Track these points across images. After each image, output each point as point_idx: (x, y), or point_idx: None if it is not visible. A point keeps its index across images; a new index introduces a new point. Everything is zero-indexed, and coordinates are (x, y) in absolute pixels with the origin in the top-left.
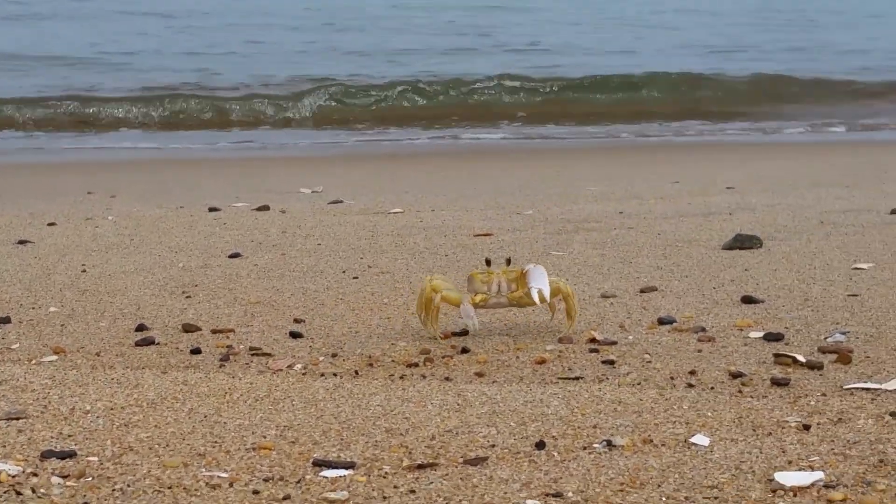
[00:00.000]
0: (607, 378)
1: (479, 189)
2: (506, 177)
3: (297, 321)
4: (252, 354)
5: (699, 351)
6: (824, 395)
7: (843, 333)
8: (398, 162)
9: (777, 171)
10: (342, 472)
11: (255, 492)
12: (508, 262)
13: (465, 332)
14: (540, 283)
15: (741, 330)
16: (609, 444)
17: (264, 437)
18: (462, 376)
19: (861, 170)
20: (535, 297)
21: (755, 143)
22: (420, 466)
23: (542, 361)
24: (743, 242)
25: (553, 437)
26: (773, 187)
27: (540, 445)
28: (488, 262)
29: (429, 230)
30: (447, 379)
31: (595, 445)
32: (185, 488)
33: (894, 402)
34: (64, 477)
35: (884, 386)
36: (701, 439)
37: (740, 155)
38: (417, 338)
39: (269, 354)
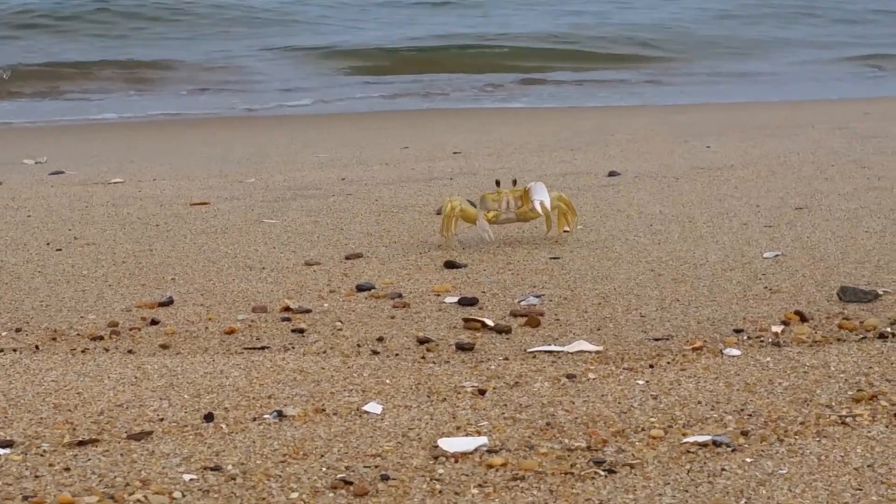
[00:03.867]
0: (293, 347)
1: (207, 157)
2: (237, 144)
3: None
4: None
5: (392, 317)
6: (506, 359)
7: (538, 297)
8: (130, 130)
9: (507, 135)
10: None
11: None
12: (514, 182)
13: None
14: (541, 195)
15: (438, 295)
16: (280, 414)
17: None
18: (146, 349)
19: (590, 133)
20: (538, 207)
21: (491, 108)
22: (81, 443)
23: (231, 332)
24: None
25: (225, 408)
26: (498, 151)
27: (208, 418)
28: (498, 183)
29: (145, 200)
30: (130, 352)
31: (266, 416)
32: None
33: (573, 364)
34: None
35: (566, 348)
36: (374, 407)
37: (477, 119)
38: (108, 310)
39: None
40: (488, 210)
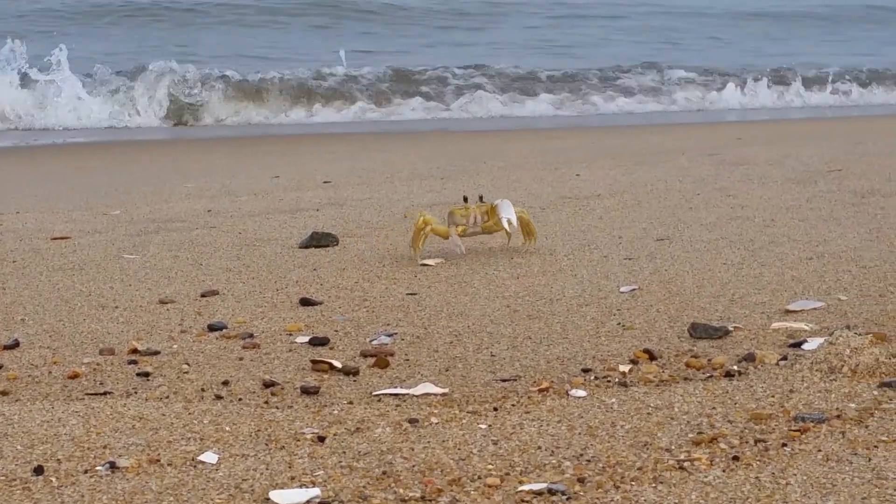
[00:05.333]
0: (136, 392)
1: (75, 187)
2: (104, 173)
3: None
4: None
5: (241, 359)
6: (351, 403)
7: (390, 336)
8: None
9: (380, 162)
10: None
11: None
12: (481, 198)
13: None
14: (508, 213)
15: (290, 335)
16: (113, 465)
17: None
18: None
19: (464, 160)
20: (505, 225)
21: (367, 133)
22: None
23: (75, 376)
24: (319, 240)
25: (58, 460)
26: (369, 181)
27: (38, 471)
28: (465, 199)
29: (5, 234)
30: None
31: (98, 468)
32: None
33: (418, 407)
34: None
35: (412, 391)
36: (210, 457)
37: (351, 145)
38: None
39: None
40: (457, 225)
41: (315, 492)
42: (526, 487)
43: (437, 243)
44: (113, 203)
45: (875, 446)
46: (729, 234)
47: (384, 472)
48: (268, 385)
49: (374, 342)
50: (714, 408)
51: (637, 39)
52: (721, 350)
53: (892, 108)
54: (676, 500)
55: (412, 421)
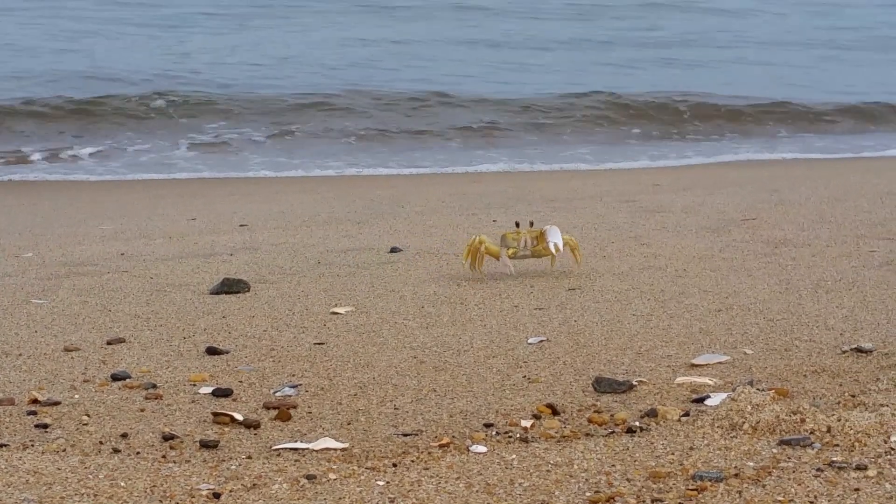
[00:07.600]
0: (33, 445)
1: None
2: (19, 212)
3: None
4: None
5: (142, 410)
6: (250, 457)
7: (294, 387)
8: None
9: (299, 206)
10: None
11: None
12: (531, 224)
13: None
14: (555, 238)
15: (194, 385)
16: None
17: None
18: None
19: (382, 205)
20: (553, 249)
21: (287, 177)
22: None
23: None
24: (230, 287)
25: None
26: (286, 224)
27: None
28: (517, 225)
29: None
30: None
31: None
32: None
33: (317, 463)
34: None
35: (311, 445)
36: None
37: (270, 188)
38: None
39: None
40: (508, 248)
41: None
42: None
43: (351, 289)
44: (26, 244)
45: None
46: (640, 284)
47: None
48: (167, 438)
49: (278, 393)
50: (613, 465)
51: None
52: (624, 405)
53: None
54: None
55: (310, 477)
